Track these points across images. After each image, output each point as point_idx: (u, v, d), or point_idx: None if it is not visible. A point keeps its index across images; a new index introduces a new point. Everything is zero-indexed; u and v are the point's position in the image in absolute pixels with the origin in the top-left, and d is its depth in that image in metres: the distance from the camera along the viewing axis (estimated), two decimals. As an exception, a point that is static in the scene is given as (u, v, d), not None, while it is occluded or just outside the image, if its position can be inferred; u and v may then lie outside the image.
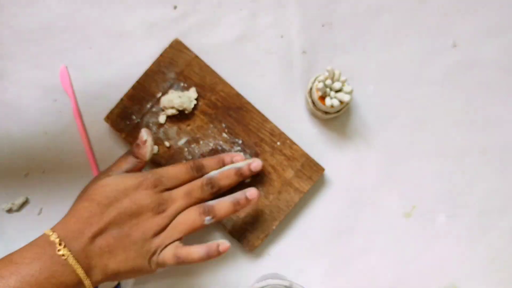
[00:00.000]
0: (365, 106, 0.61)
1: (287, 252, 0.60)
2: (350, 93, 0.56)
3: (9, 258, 0.47)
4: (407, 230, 0.60)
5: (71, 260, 0.47)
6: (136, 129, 0.58)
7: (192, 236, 0.54)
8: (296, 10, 0.62)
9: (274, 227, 0.58)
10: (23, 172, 0.60)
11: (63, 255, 0.47)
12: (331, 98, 0.56)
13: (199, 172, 0.55)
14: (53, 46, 0.61)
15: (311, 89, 0.59)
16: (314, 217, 0.60)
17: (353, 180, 0.61)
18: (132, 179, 0.52)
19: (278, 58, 0.61)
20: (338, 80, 0.56)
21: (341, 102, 0.56)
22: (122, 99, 0.59)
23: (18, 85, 0.60)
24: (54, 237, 0.47)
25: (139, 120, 0.59)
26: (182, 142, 0.59)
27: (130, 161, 0.54)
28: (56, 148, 0.60)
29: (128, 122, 0.59)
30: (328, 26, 0.61)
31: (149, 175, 0.53)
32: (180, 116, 0.59)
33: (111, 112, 0.59)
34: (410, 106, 0.61)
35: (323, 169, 0.59)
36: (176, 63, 0.59)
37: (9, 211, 0.59)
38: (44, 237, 0.48)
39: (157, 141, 0.59)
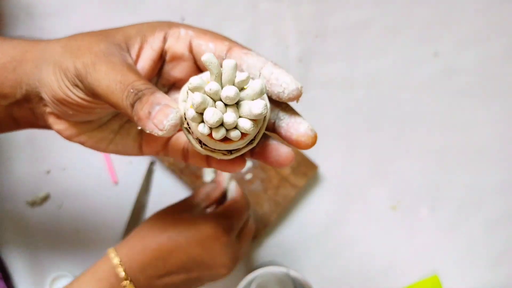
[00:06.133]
0: (355, 109, 0.63)
1: (284, 241, 0.61)
2: (261, 94, 0.27)
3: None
4: (393, 221, 0.62)
5: None
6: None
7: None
8: (292, 23, 0.63)
9: (272, 219, 0.60)
10: (45, 170, 0.61)
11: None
12: (228, 124, 0.27)
13: None
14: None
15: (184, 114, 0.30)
16: (309, 210, 0.62)
17: (344, 176, 0.62)
18: (208, 230, 0.46)
19: (277, 66, 0.64)
20: (230, 81, 0.27)
21: (252, 120, 0.27)
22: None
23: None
24: (120, 270, 0.44)
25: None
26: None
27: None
28: (75, 148, 0.59)
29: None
30: (321, 37, 0.63)
31: (224, 222, 0.47)
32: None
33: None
34: (396, 109, 0.63)
35: (316, 167, 0.61)
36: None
37: (33, 204, 0.60)
38: (108, 264, 0.45)
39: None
